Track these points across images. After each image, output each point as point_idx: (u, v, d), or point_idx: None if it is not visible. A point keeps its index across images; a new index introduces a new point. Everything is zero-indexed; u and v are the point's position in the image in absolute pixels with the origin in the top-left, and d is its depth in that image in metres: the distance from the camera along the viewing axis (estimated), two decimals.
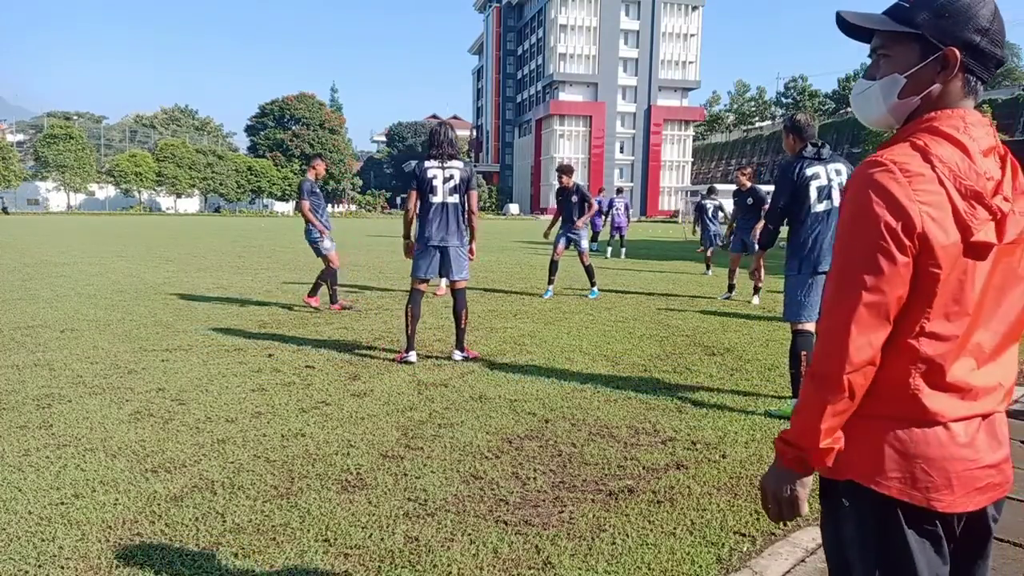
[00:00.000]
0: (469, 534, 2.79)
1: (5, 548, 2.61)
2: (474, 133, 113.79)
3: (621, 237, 18.45)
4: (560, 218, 9.88)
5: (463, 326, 5.79)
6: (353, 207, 79.90)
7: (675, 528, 2.88)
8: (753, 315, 8.54)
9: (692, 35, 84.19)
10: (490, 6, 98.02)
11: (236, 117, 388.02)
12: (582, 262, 9.93)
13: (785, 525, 2.87)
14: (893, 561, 1.28)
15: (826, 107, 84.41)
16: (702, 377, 5.38)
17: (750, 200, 9.61)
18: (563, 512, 3.00)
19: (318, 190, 8.30)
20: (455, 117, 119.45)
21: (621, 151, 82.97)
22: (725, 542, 2.77)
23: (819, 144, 4.50)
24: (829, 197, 4.36)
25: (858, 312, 1.20)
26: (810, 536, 2.82)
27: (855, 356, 1.21)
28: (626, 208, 19.13)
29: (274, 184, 73.86)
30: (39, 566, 2.50)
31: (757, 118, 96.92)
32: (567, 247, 9.97)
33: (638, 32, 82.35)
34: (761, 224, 9.32)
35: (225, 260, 15.29)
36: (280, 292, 10.04)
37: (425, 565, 2.56)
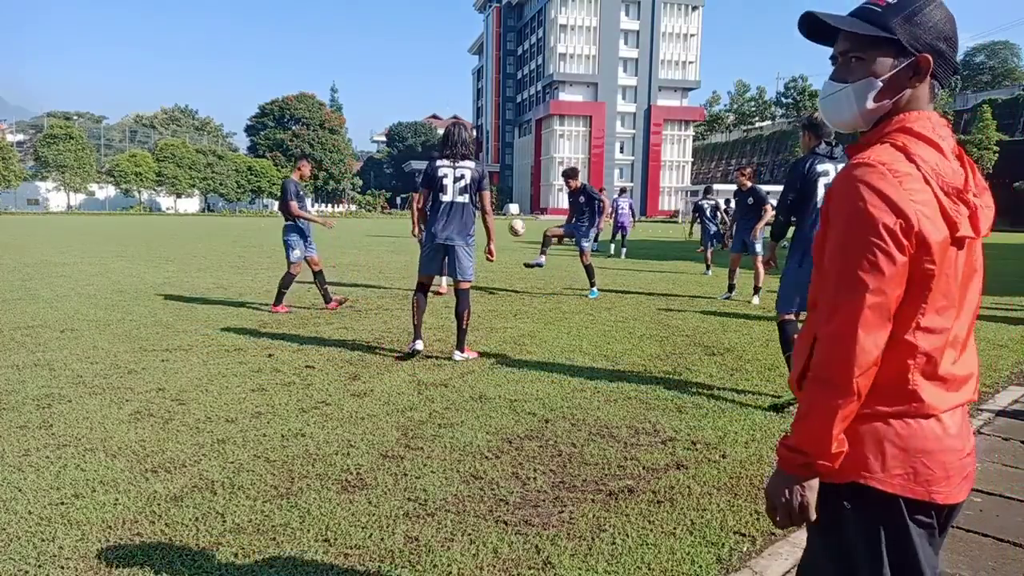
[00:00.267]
0: (469, 534, 2.79)
1: (5, 548, 2.61)
2: (474, 133, 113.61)
3: (623, 237, 18.48)
4: (570, 217, 10.19)
5: (464, 327, 5.80)
6: (353, 207, 79.85)
7: (675, 528, 2.88)
8: (753, 315, 8.54)
9: (692, 35, 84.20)
10: (490, 6, 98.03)
11: (236, 117, 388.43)
12: (582, 261, 9.95)
13: None
14: (901, 558, 1.30)
15: None
16: (702, 377, 5.38)
17: (751, 200, 9.61)
18: (563, 512, 3.00)
19: (302, 192, 8.31)
20: (455, 117, 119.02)
21: (621, 151, 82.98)
22: (725, 542, 2.77)
23: (833, 143, 4.65)
24: None
25: (864, 315, 1.21)
26: None
27: (863, 359, 1.22)
28: (631, 208, 19.17)
29: (274, 184, 73.77)
30: (39, 566, 2.50)
31: (757, 118, 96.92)
32: (567, 236, 10.20)
33: (638, 32, 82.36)
34: (761, 224, 9.42)
35: (225, 260, 15.29)
36: None
37: (425, 565, 2.56)
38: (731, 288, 10.08)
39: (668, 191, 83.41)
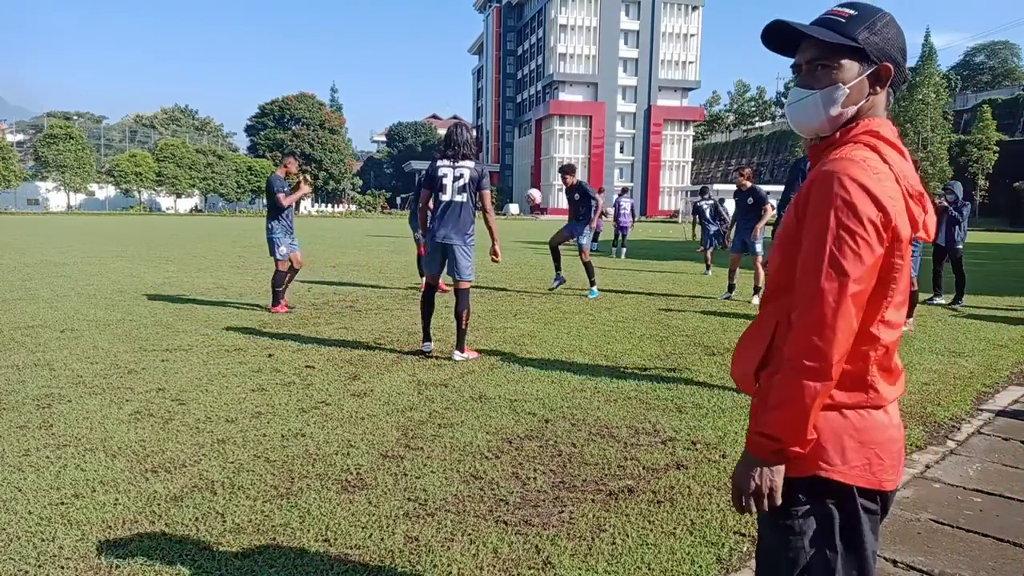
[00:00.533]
0: (469, 534, 2.79)
1: (5, 548, 2.61)
2: (475, 133, 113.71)
3: (623, 237, 18.48)
4: (570, 217, 10.20)
5: (464, 327, 5.81)
6: (353, 207, 79.79)
7: (675, 528, 2.88)
8: (753, 315, 8.52)
9: (692, 35, 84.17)
10: (490, 6, 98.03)
11: (236, 117, 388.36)
12: (581, 259, 9.96)
13: None
14: (851, 546, 1.36)
15: None
16: (702, 377, 5.38)
17: (750, 200, 9.61)
18: (563, 512, 3.00)
19: (286, 189, 8.29)
20: (455, 117, 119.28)
21: (621, 151, 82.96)
22: (725, 542, 2.78)
23: None
24: None
25: (845, 303, 1.26)
26: None
27: (843, 346, 1.27)
28: (632, 208, 19.18)
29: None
30: (39, 566, 2.50)
31: (757, 118, 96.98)
32: (569, 238, 10.18)
33: (638, 32, 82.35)
34: (762, 224, 9.43)
35: (225, 260, 15.29)
36: None
37: (425, 565, 2.56)
38: (731, 288, 10.08)
39: (668, 191, 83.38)
